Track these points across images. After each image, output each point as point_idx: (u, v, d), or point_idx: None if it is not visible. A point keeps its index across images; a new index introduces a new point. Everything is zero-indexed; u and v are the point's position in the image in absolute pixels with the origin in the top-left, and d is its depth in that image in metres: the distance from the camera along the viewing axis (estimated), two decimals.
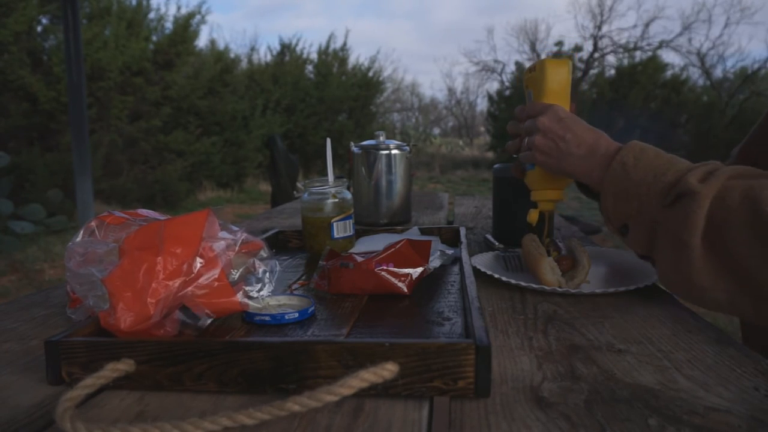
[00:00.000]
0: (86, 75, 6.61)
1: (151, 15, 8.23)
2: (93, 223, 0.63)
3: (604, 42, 14.83)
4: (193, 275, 0.53)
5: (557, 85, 0.78)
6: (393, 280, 0.69)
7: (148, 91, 7.68)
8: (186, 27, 8.36)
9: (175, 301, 0.52)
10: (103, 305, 0.53)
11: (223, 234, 0.58)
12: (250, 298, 0.60)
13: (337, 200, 0.93)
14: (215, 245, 0.55)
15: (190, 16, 8.41)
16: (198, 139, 8.36)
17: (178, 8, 14.51)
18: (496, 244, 1.00)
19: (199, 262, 0.53)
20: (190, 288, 0.53)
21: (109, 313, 0.51)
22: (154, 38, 8.15)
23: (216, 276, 0.54)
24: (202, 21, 8.56)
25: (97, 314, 0.53)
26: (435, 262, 0.78)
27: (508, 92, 14.16)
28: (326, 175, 0.95)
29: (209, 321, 0.55)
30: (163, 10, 10.00)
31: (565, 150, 0.73)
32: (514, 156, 0.85)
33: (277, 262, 0.64)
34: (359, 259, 0.71)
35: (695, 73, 14.12)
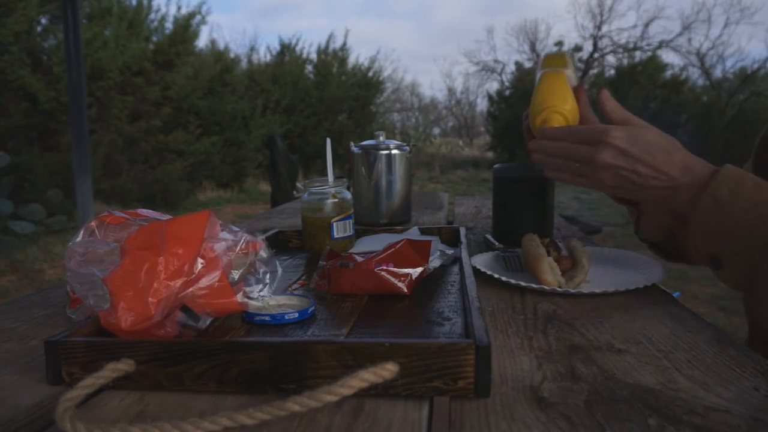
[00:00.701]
0: (86, 75, 6.62)
1: (152, 16, 8.24)
2: (93, 223, 0.63)
3: (603, 42, 14.85)
4: (194, 276, 0.53)
5: (558, 93, 0.74)
6: (393, 280, 0.69)
7: (148, 91, 7.68)
8: (186, 27, 8.37)
9: (176, 302, 0.52)
10: (104, 305, 0.53)
11: (224, 235, 0.58)
12: (250, 298, 0.60)
13: (337, 200, 0.93)
14: (216, 246, 0.55)
15: (191, 16, 8.41)
16: (198, 139, 8.37)
17: (179, 8, 14.50)
18: (496, 244, 1.00)
19: (200, 263, 0.53)
20: (191, 289, 0.53)
21: (109, 313, 0.51)
22: (155, 38, 8.16)
23: (217, 277, 0.54)
24: (203, 21, 8.57)
25: (97, 314, 0.53)
26: (435, 262, 0.78)
27: (508, 92, 14.16)
28: (326, 175, 0.95)
29: (209, 321, 0.55)
30: (163, 10, 10.00)
31: (642, 183, 0.65)
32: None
33: (277, 263, 0.64)
34: (359, 259, 0.71)
35: (695, 73, 14.15)
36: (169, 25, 8.37)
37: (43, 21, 7.09)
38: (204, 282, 0.53)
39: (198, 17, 8.47)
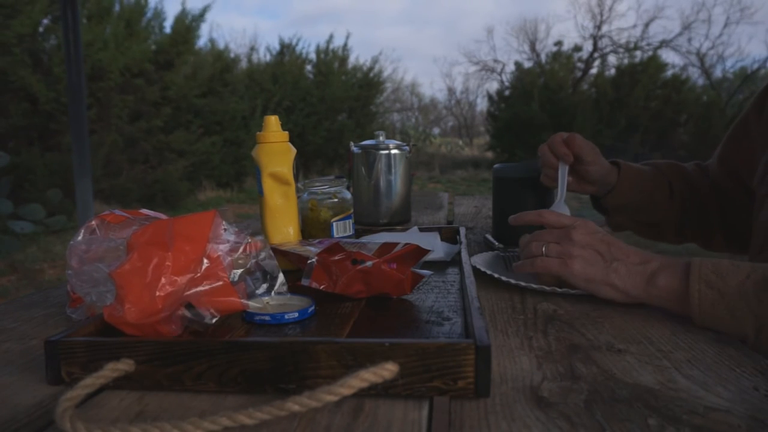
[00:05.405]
0: (87, 75, 6.62)
1: (151, 15, 8.24)
2: (94, 222, 0.63)
3: (604, 42, 14.84)
4: (199, 274, 0.53)
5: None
6: (395, 280, 0.69)
7: (148, 91, 7.68)
8: (190, 29, 8.37)
9: (182, 299, 0.52)
10: (106, 301, 0.53)
11: (226, 235, 0.58)
12: (251, 297, 0.60)
13: (336, 200, 0.93)
14: (219, 245, 0.56)
15: (194, 18, 8.41)
16: (199, 139, 8.37)
17: (183, 9, 14.51)
18: (496, 244, 1.00)
19: (205, 262, 0.54)
20: (195, 288, 0.53)
21: (115, 307, 0.51)
22: (156, 39, 8.16)
23: (218, 276, 0.54)
24: (201, 19, 8.54)
25: (98, 312, 0.53)
26: (438, 254, 0.77)
27: (507, 92, 14.15)
28: (326, 175, 0.95)
29: (215, 319, 0.55)
30: (165, 11, 10.00)
31: (610, 258, 0.66)
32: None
33: (277, 263, 0.64)
34: (369, 255, 0.70)
35: (695, 73, 14.14)
36: (169, 26, 8.38)
37: (44, 22, 7.09)
38: (206, 281, 0.53)
39: (199, 18, 8.45)
